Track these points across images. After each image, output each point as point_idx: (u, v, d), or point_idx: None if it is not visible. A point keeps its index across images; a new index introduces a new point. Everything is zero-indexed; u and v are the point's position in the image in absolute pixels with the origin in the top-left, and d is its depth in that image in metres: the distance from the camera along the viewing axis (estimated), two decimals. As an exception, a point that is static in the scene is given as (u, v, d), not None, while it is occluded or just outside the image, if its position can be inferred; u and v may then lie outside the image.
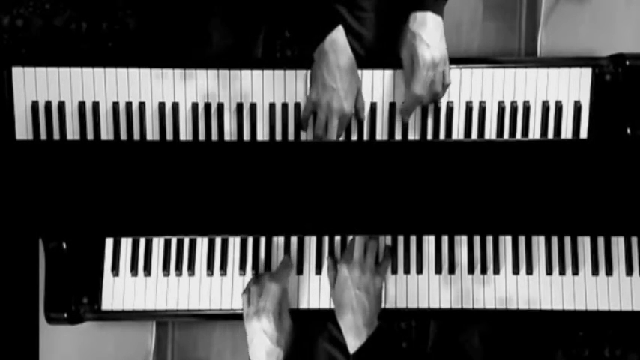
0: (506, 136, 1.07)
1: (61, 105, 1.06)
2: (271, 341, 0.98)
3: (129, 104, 1.06)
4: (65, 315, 1.06)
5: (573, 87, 1.07)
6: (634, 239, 1.07)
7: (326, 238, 1.09)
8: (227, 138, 1.07)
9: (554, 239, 1.08)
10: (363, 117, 1.06)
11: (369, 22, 1.11)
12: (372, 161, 0.99)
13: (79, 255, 1.08)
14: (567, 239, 1.08)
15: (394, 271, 1.08)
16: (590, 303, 1.06)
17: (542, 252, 1.08)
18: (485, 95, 1.07)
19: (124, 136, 1.07)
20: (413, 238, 1.08)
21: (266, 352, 0.98)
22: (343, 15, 1.09)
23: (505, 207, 0.95)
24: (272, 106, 1.07)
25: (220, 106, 1.07)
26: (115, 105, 1.06)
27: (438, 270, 1.07)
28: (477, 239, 1.08)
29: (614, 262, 1.07)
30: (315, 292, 1.08)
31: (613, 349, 1.52)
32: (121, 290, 1.08)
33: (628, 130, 1.07)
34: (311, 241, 1.09)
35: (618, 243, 1.08)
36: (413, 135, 1.08)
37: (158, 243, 1.09)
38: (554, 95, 1.07)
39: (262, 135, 1.08)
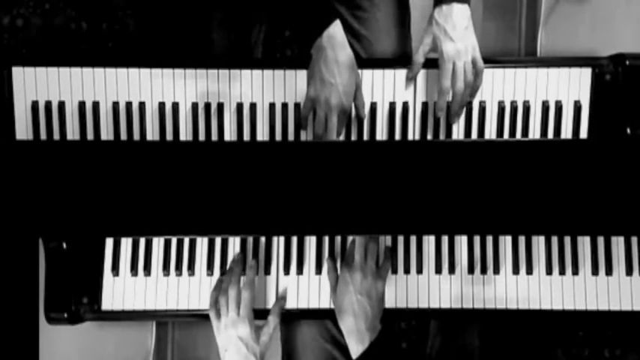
0: (506, 136, 1.07)
1: (61, 105, 1.06)
2: (247, 347, 0.98)
3: (129, 104, 1.06)
4: (65, 315, 1.06)
5: (573, 87, 1.07)
6: (634, 239, 1.07)
7: (326, 238, 1.09)
8: (227, 138, 1.07)
9: (554, 239, 1.08)
10: (363, 114, 1.06)
11: (368, 22, 1.10)
12: (372, 161, 0.99)
13: (79, 255, 1.08)
14: (567, 239, 1.08)
15: (394, 271, 1.08)
16: (590, 303, 1.06)
17: (542, 252, 1.08)
18: (485, 95, 1.07)
19: (124, 136, 1.07)
20: (413, 238, 1.08)
21: (244, 358, 0.98)
22: (343, 15, 1.09)
23: (505, 207, 0.95)
24: (272, 106, 1.07)
25: (220, 106, 1.07)
26: (115, 105, 1.06)
27: (438, 270, 1.07)
28: (477, 239, 1.08)
29: (614, 262, 1.07)
30: (315, 292, 1.08)
31: (613, 349, 1.52)
32: (121, 290, 1.08)
33: (628, 130, 1.07)
34: (311, 241, 1.09)
35: (618, 243, 1.08)
36: (413, 135, 1.08)
37: (158, 243, 1.09)
38: (554, 95, 1.07)
39: (262, 135, 1.08)
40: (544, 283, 1.07)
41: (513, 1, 1.27)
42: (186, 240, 1.08)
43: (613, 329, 1.52)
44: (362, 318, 0.99)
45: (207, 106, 1.07)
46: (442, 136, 1.08)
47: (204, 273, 1.08)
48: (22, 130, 1.07)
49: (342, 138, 1.06)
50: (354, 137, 1.08)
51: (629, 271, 1.07)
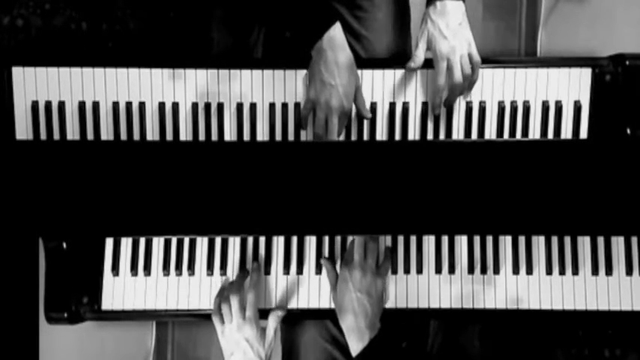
0: (506, 136, 1.07)
1: (61, 105, 1.06)
2: (252, 348, 0.98)
3: (129, 104, 1.06)
4: (65, 315, 1.06)
5: (573, 87, 1.07)
6: (634, 239, 1.07)
7: (326, 238, 1.09)
8: (227, 138, 1.07)
9: (554, 239, 1.08)
10: (368, 115, 1.05)
11: (368, 22, 1.10)
12: (372, 161, 0.99)
13: (79, 255, 1.08)
14: (567, 239, 1.08)
15: (394, 271, 1.08)
16: (590, 303, 1.07)
17: (542, 252, 1.08)
18: (485, 95, 1.07)
19: (124, 136, 1.07)
20: (413, 238, 1.08)
21: None
22: (343, 15, 1.09)
23: (505, 207, 0.95)
24: (272, 106, 1.07)
25: (220, 106, 1.07)
26: (115, 105, 1.06)
27: (438, 270, 1.07)
28: (476, 239, 1.08)
29: (614, 262, 1.07)
30: (315, 292, 1.08)
31: (613, 349, 1.52)
32: (121, 290, 1.08)
33: (628, 130, 1.07)
34: (311, 241, 1.09)
35: (618, 243, 1.08)
36: (413, 135, 1.08)
37: (158, 243, 1.09)
38: (554, 95, 1.07)
39: (262, 135, 1.08)
40: (544, 283, 1.07)
41: (513, 1, 1.27)
42: (186, 240, 1.08)
43: (613, 329, 1.52)
44: (362, 316, 0.99)
45: (207, 106, 1.07)
46: (442, 136, 1.08)
47: (204, 273, 1.08)
48: (22, 130, 1.07)
49: (342, 138, 1.06)
50: (354, 137, 1.08)
51: (629, 271, 1.07)
